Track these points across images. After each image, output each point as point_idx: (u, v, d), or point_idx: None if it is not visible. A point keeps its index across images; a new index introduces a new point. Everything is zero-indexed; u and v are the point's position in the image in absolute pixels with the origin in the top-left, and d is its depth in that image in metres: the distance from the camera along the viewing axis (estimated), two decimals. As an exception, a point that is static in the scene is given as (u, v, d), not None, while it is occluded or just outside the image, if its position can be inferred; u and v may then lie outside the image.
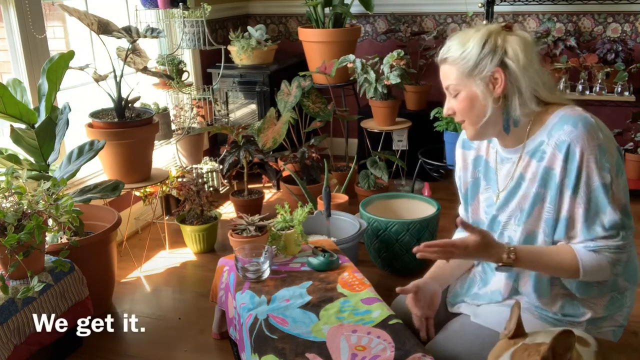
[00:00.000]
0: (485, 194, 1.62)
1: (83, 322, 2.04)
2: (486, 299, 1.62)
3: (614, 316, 1.54)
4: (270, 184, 3.73)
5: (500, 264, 1.43)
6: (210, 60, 3.75)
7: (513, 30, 1.46)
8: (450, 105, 1.50)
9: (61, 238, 2.26)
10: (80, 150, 2.33)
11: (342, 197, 2.75)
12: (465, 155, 1.69)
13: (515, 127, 1.48)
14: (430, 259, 1.50)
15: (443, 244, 1.43)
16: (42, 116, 2.25)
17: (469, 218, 1.69)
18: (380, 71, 3.29)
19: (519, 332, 1.29)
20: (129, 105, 2.68)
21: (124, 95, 2.60)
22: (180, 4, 3.08)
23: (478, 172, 1.64)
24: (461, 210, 1.76)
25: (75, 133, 2.74)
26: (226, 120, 3.74)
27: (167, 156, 3.45)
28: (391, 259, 2.59)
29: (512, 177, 1.52)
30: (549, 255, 1.45)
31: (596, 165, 1.37)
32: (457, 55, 1.44)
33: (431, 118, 3.17)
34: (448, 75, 1.48)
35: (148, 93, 3.26)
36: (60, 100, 2.57)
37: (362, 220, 2.47)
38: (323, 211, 2.50)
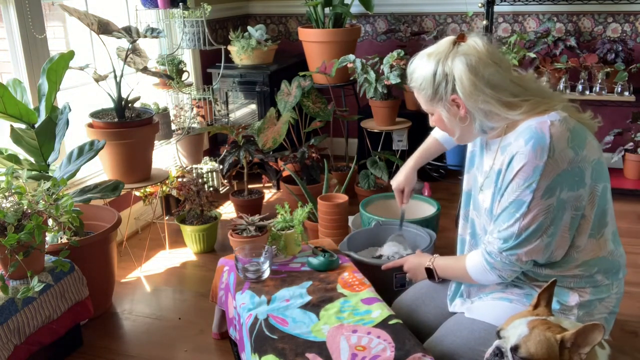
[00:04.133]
0: (473, 171, 1.68)
1: (83, 322, 2.04)
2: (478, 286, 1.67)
3: (603, 302, 1.54)
4: (270, 184, 3.74)
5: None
6: (210, 60, 3.75)
7: (466, 41, 1.46)
8: (432, 120, 1.61)
9: (61, 238, 2.26)
10: (80, 150, 2.33)
11: (342, 197, 2.75)
12: None
13: (492, 131, 1.52)
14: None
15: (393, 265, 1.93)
16: (42, 116, 2.25)
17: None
18: (380, 71, 3.29)
19: (544, 305, 1.33)
20: (129, 105, 2.68)
21: (124, 95, 2.60)
22: (180, 4, 3.08)
23: (475, 147, 1.69)
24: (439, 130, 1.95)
25: (75, 133, 2.74)
26: (226, 120, 3.75)
27: (167, 156, 3.45)
28: (391, 259, 2.59)
29: (490, 168, 1.56)
30: (452, 267, 1.69)
31: (523, 182, 1.41)
32: (418, 85, 1.53)
33: (431, 118, 3.16)
34: (419, 98, 1.57)
35: (148, 93, 3.26)
36: (60, 100, 2.58)
37: (430, 231, 2.37)
38: (383, 221, 2.47)
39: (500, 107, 1.45)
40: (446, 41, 1.49)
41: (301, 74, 3.43)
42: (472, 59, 1.43)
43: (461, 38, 1.47)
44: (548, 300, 1.35)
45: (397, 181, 2.10)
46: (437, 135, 2.02)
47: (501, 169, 1.48)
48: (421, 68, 1.50)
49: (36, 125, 2.24)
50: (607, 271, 1.53)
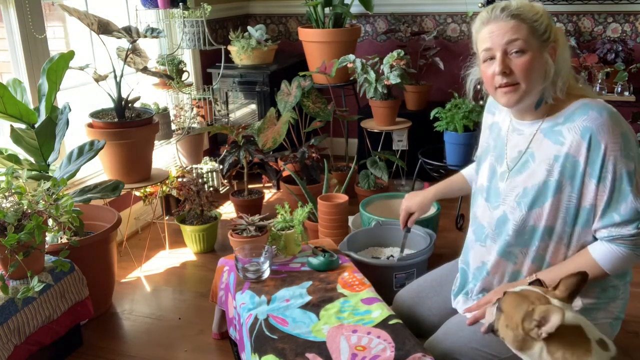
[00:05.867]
0: (491, 160, 1.63)
1: (83, 322, 2.04)
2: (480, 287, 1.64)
3: (608, 307, 1.54)
4: (270, 184, 3.74)
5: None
6: (210, 60, 3.75)
7: None
8: (507, 64, 1.42)
9: (61, 238, 2.26)
10: (80, 150, 2.33)
11: (342, 197, 2.75)
12: (486, 118, 1.74)
13: (541, 104, 1.48)
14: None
15: (477, 305, 1.58)
16: (42, 116, 2.25)
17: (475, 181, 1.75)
18: (380, 71, 3.29)
19: (562, 289, 1.30)
20: (129, 105, 2.68)
21: (124, 95, 2.61)
22: (180, 4, 3.08)
23: (492, 138, 1.67)
24: (467, 169, 1.93)
25: (75, 133, 2.74)
26: (226, 120, 3.75)
27: (167, 156, 3.45)
28: (391, 259, 2.59)
29: (523, 152, 1.52)
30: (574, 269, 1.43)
31: (621, 154, 1.37)
32: (530, 15, 1.41)
33: (431, 118, 3.16)
34: (518, 30, 1.40)
35: (148, 93, 3.26)
36: (60, 100, 2.58)
37: (430, 231, 2.39)
38: (383, 221, 2.45)
39: (562, 79, 1.43)
40: None
41: (301, 74, 3.43)
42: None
43: None
44: (568, 288, 1.29)
45: (411, 202, 2.00)
46: (465, 172, 1.97)
47: (568, 153, 1.41)
48: (531, 5, 1.43)
49: (36, 125, 2.24)
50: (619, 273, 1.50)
